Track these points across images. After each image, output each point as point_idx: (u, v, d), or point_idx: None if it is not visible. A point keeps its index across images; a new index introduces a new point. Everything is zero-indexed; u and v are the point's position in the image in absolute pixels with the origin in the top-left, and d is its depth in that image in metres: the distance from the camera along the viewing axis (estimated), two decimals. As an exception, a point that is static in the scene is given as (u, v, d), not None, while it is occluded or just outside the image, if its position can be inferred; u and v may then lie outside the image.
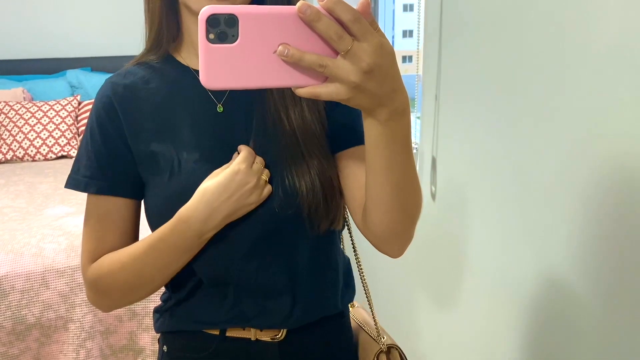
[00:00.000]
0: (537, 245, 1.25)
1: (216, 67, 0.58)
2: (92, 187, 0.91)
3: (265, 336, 0.92)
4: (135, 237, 0.96)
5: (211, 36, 0.57)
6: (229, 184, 0.82)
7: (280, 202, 0.86)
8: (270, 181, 0.86)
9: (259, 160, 0.85)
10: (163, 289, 0.98)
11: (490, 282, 1.47)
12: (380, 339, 1.02)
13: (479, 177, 1.49)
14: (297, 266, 0.90)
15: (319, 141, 0.87)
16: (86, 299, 1.96)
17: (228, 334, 0.93)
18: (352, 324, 1.04)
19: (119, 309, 1.92)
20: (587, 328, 1.10)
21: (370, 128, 0.66)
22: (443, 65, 1.64)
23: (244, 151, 0.85)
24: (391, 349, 1.02)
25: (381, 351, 1.01)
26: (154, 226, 0.92)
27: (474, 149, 1.50)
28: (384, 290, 2.25)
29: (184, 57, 0.91)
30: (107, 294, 0.93)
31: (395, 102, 0.63)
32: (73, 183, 0.92)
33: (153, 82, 0.91)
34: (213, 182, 0.83)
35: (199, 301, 0.92)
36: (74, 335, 1.93)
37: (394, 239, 0.82)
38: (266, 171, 0.85)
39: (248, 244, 0.88)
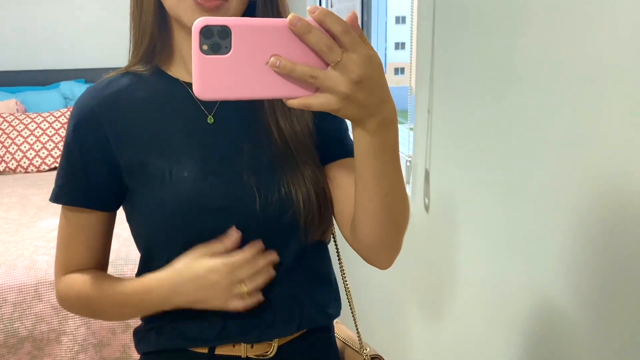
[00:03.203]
0: (531, 258, 1.26)
1: (210, 78, 0.59)
2: (62, 198, 0.91)
3: (256, 352, 0.91)
4: (105, 249, 0.96)
5: (205, 47, 0.58)
6: (200, 279, 0.84)
7: (276, 211, 0.86)
8: (265, 191, 0.86)
9: (249, 268, 0.84)
10: None
11: (484, 295, 1.48)
12: (363, 350, 1.03)
13: (472, 189, 1.50)
14: (290, 276, 0.91)
15: (311, 152, 0.89)
16: (79, 311, 1.96)
17: (217, 351, 0.91)
18: (336, 340, 1.05)
19: (114, 322, 1.92)
20: (578, 343, 1.11)
21: (360, 138, 0.68)
22: (435, 78, 1.65)
23: (237, 255, 0.84)
24: (374, 359, 1.03)
25: None
26: (138, 235, 0.93)
27: (467, 161, 1.51)
28: (375, 302, 2.25)
29: (173, 71, 0.91)
30: (72, 309, 0.99)
31: (383, 112, 0.65)
32: (51, 194, 0.93)
33: (140, 92, 0.89)
34: (188, 269, 0.84)
35: (189, 318, 0.91)
36: (66, 348, 1.92)
37: (383, 250, 0.83)
38: (253, 284, 0.85)
39: None
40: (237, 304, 0.85)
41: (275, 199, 0.85)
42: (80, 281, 0.93)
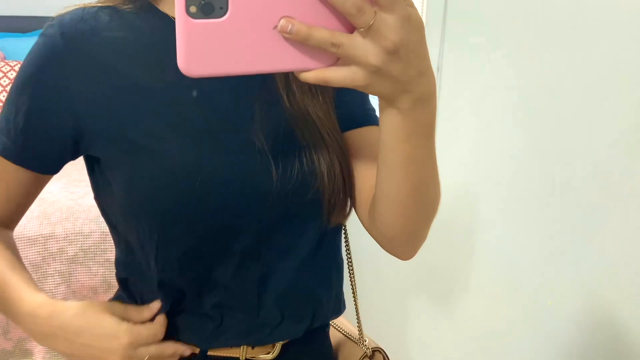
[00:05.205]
0: (544, 241, 1.19)
1: (199, 49, 0.46)
2: None
3: (257, 354, 0.80)
4: (24, 206, 0.82)
5: (192, 9, 0.45)
6: (94, 338, 0.72)
7: (296, 187, 0.72)
8: (284, 161, 0.72)
9: (155, 350, 0.74)
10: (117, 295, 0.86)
11: (492, 282, 1.41)
12: (363, 341, 0.94)
13: (486, 161, 1.42)
14: (307, 266, 0.79)
15: (331, 117, 0.75)
16: (59, 268, 1.88)
17: (211, 352, 0.80)
18: (333, 330, 0.94)
19: (96, 282, 1.84)
20: (590, 334, 1.05)
21: (389, 118, 0.55)
22: (445, 50, 1.55)
23: (147, 329, 0.74)
24: (375, 352, 0.94)
25: (365, 355, 0.91)
26: (118, 222, 0.79)
27: (477, 137, 1.44)
28: (375, 289, 2.17)
29: (163, 6, 0.74)
30: None
31: (421, 88, 0.53)
32: None
33: (120, 31, 0.72)
34: (83, 318, 0.73)
35: (179, 311, 0.78)
36: (45, 307, 1.84)
37: (406, 241, 0.72)
38: None
39: (250, 238, 0.75)
40: None
41: (296, 172, 0.71)
42: None
